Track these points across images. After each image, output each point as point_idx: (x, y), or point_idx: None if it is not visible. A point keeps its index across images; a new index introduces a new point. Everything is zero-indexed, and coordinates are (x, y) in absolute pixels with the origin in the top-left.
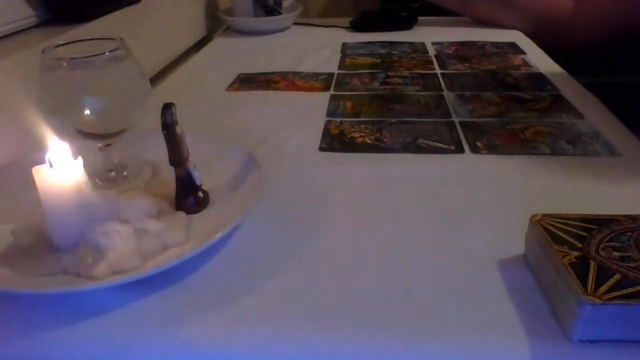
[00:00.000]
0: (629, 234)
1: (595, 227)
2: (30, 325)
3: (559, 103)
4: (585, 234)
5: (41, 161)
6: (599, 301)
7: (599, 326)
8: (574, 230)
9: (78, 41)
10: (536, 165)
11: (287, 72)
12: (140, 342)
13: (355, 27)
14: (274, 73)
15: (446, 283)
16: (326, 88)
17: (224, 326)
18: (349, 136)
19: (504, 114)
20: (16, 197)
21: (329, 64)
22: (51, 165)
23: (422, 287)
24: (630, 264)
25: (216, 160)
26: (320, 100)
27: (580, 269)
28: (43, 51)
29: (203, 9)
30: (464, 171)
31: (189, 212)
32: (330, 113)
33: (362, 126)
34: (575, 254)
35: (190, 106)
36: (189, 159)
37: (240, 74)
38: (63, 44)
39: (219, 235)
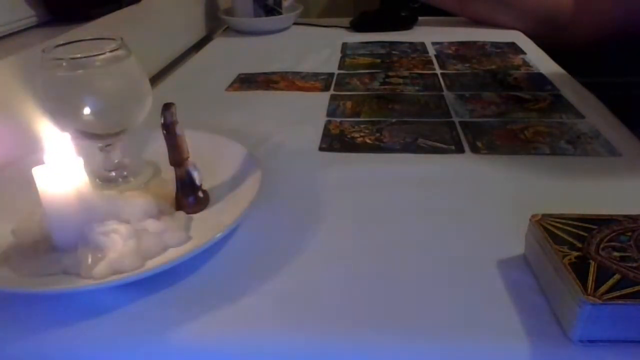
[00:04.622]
0: (629, 234)
1: (595, 227)
2: (30, 325)
3: (559, 103)
4: (585, 234)
5: (41, 161)
6: (599, 301)
7: (599, 326)
8: (574, 230)
9: (78, 41)
10: (536, 165)
11: (287, 72)
12: (140, 342)
13: (355, 27)
14: (274, 73)
15: (446, 283)
16: (326, 88)
17: (223, 326)
18: (349, 136)
19: (504, 114)
20: (16, 197)
21: (329, 64)
22: (51, 165)
23: (421, 287)
24: (630, 264)
25: (216, 160)
26: (320, 100)
27: (580, 269)
28: (43, 51)
29: (203, 9)
30: (464, 171)
31: (189, 212)
32: (330, 113)
33: (362, 126)
34: (575, 254)
35: (190, 106)
36: (189, 159)
37: (240, 74)
38: (63, 44)
39: (219, 235)
